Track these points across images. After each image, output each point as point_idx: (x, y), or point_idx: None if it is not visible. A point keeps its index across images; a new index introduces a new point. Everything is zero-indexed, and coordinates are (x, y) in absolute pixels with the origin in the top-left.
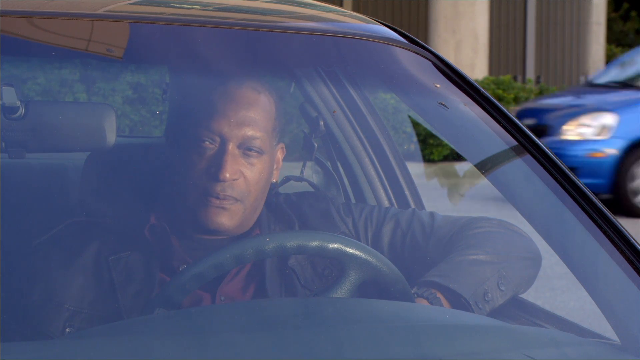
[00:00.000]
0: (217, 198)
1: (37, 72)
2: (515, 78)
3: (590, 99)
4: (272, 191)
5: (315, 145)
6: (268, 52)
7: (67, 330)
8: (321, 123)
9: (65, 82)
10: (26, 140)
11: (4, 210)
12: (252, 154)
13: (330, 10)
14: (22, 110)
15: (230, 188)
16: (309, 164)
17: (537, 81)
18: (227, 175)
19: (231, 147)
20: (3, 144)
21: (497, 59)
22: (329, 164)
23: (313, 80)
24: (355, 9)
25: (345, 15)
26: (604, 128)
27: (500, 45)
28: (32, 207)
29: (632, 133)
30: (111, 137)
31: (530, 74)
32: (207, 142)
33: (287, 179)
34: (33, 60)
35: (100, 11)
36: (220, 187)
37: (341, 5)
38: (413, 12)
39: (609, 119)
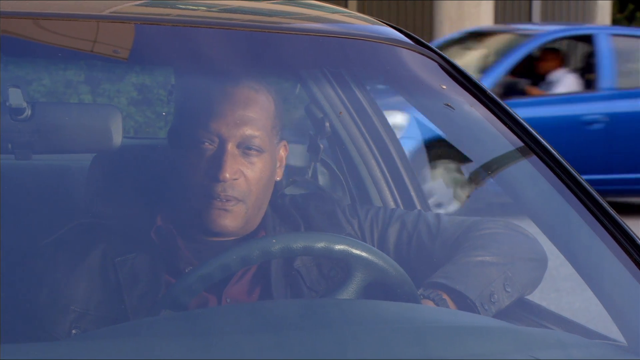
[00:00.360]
0: (219, 200)
1: (43, 74)
2: None
3: (383, 97)
4: (278, 192)
5: (321, 146)
6: (273, 53)
7: (73, 331)
8: (327, 124)
9: (70, 84)
10: (32, 141)
11: (10, 212)
12: (252, 153)
13: (336, 12)
14: (28, 112)
15: (231, 188)
16: (314, 165)
17: None
18: (227, 175)
19: (230, 147)
20: (9, 145)
21: None
22: (334, 165)
23: (319, 82)
24: (360, 9)
25: (350, 17)
26: (394, 128)
27: None
28: (38, 208)
29: (423, 133)
30: (117, 139)
31: None
32: (207, 143)
33: (292, 180)
34: (38, 61)
35: (106, 12)
36: (221, 188)
37: (346, 6)
38: (418, 13)
39: (399, 118)
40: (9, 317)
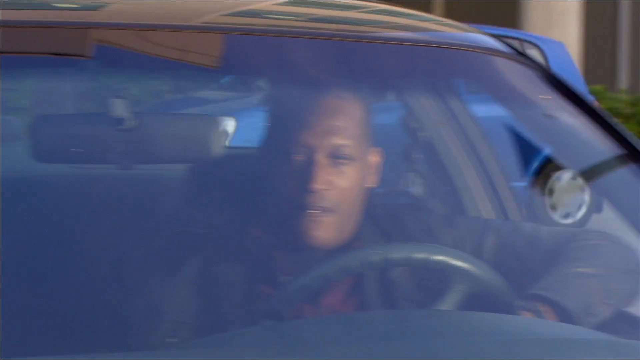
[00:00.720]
0: (311, 211)
1: (138, 84)
2: (607, 88)
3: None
4: (372, 202)
5: (416, 156)
6: (363, 62)
7: (169, 340)
8: (422, 134)
9: (162, 94)
10: (134, 151)
11: (108, 221)
12: (342, 162)
13: (427, 20)
14: (130, 122)
15: (322, 199)
16: (410, 175)
17: (631, 91)
18: (317, 186)
19: (320, 157)
20: (112, 155)
21: (590, 69)
22: (429, 175)
23: (413, 91)
24: (446, 11)
25: (444, 25)
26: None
27: (593, 55)
28: (136, 217)
29: (250, 140)
30: (216, 149)
31: (623, 83)
32: (297, 154)
33: (388, 191)
34: (134, 72)
35: (196, 23)
36: (312, 199)
37: (429, 8)
38: (504, 18)
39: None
40: (105, 326)
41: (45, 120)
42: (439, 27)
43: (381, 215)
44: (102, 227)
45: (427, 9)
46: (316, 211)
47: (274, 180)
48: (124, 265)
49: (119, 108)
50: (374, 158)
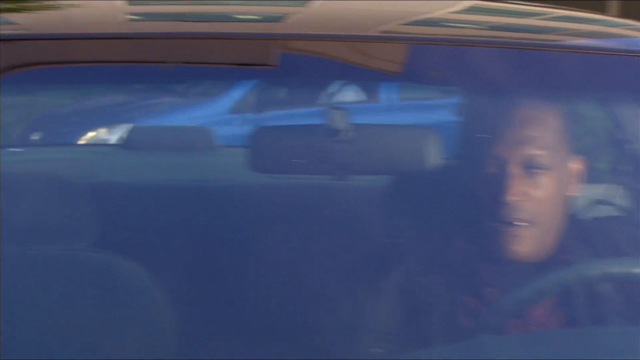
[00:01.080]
0: (507, 224)
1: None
2: None
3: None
4: (578, 214)
5: (625, 168)
6: (554, 71)
7: (374, 351)
8: (628, 146)
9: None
10: (349, 162)
11: (317, 231)
12: (537, 172)
13: (617, 25)
14: (346, 133)
15: (518, 211)
16: (618, 187)
17: None
18: (512, 198)
19: (513, 168)
20: (328, 166)
21: None
22: (636, 188)
23: (611, 101)
24: (623, 10)
25: (636, 30)
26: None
27: None
28: (341, 228)
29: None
30: (432, 160)
31: None
32: (490, 165)
33: (595, 203)
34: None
35: (378, 33)
36: (507, 211)
37: (604, 9)
38: None
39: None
40: (310, 335)
41: (262, 132)
42: (632, 32)
43: (590, 228)
44: (311, 237)
45: (602, 9)
46: (513, 224)
47: (469, 192)
48: (331, 275)
49: (337, 119)
50: (574, 167)
